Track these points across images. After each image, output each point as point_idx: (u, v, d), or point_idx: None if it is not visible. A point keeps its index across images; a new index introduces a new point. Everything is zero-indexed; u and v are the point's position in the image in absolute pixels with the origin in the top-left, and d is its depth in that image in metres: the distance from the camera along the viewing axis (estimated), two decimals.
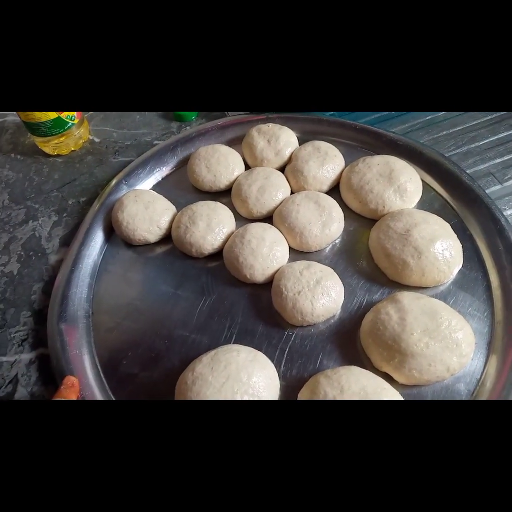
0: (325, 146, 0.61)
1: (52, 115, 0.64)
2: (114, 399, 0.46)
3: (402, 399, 0.41)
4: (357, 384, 0.40)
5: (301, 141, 0.64)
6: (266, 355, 0.46)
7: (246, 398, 0.41)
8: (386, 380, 0.42)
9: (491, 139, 0.64)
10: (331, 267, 0.51)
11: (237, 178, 0.61)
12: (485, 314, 0.47)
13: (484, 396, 0.42)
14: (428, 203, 0.57)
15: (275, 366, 0.45)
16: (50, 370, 0.49)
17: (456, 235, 0.51)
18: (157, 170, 0.66)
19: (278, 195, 0.58)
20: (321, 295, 0.47)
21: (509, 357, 0.44)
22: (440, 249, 0.48)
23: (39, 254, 0.60)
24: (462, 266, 0.50)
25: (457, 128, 0.66)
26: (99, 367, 0.49)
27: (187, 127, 0.73)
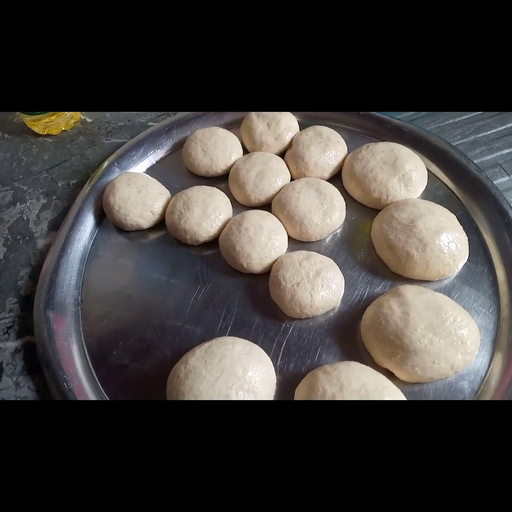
0: (327, 131, 0.58)
1: None
2: (102, 389, 0.45)
3: (404, 397, 0.39)
4: (357, 381, 0.38)
5: (302, 126, 0.61)
6: (262, 348, 0.44)
7: (240, 393, 0.39)
8: (387, 377, 0.40)
9: (499, 128, 0.62)
10: (331, 258, 0.49)
11: (234, 162, 0.59)
12: (490, 310, 0.46)
13: (488, 395, 0.41)
14: (432, 193, 0.55)
15: (272, 360, 0.44)
16: (37, 359, 0.47)
17: (462, 227, 0.49)
18: (151, 153, 0.63)
19: (277, 182, 0.55)
20: (321, 287, 0.45)
21: None
22: (446, 241, 0.46)
23: (27, 238, 0.57)
24: (468, 260, 0.48)
25: (464, 117, 0.64)
26: (88, 357, 0.47)
27: None
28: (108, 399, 0.44)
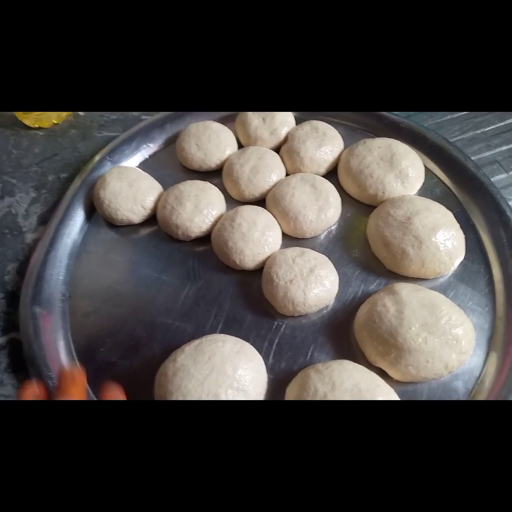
0: (323, 126, 0.57)
1: None
2: (89, 388, 0.43)
3: (397, 396, 0.38)
4: (349, 381, 0.38)
5: (298, 120, 0.60)
6: (254, 346, 0.43)
7: (230, 392, 0.38)
8: (380, 376, 0.40)
9: (498, 125, 0.61)
10: (325, 255, 0.48)
11: (228, 157, 0.57)
12: (486, 309, 0.45)
13: (482, 395, 0.40)
14: (429, 190, 0.54)
15: (263, 358, 0.43)
16: (22, 357, 0.45)
17: (459, 225, 0.48)
18: (144, 147, 0.62)
19: (272, 177, 0.54)
20: (315, 285, 0.44)
21: (510, 355, 0.42)
22: (442, 239, 0.45)
23: (15, 232, 0.56)
24: (464, 258, 0.47)
25: (462, 113, 0.63)
26: (74, 354, 0.46)
27: None
28: (94, 397, 0.43)
